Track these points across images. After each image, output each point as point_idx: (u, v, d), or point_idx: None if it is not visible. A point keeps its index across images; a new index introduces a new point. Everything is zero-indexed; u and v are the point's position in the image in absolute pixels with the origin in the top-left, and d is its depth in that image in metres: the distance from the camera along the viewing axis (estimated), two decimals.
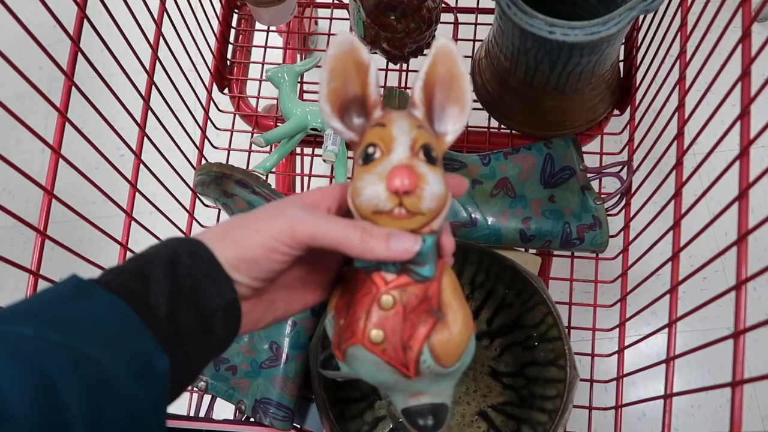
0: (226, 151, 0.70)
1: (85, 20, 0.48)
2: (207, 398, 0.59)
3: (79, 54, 0.48)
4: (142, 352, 0.26)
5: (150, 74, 0.57)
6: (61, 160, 0.46)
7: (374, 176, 0.29)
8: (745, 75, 0.40)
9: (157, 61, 0.57)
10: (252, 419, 0.54)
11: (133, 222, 0.54)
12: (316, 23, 1.12)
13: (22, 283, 0.42)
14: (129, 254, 0.52)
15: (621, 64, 0.68)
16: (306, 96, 0.75)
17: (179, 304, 0.28)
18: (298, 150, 0.81)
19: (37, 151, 1.25)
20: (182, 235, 0.32)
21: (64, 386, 0.22)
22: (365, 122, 0.32)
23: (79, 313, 0.25)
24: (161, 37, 0.59)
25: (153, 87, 0.57)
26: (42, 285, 0.43)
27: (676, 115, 0.52)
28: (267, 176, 0.64)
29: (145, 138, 0.56)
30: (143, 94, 0.56)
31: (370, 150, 0.29)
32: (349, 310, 0.31)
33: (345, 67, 0.31)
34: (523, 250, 0.63)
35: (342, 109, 0.32)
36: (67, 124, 0.46)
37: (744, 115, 0.39)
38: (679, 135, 0.51)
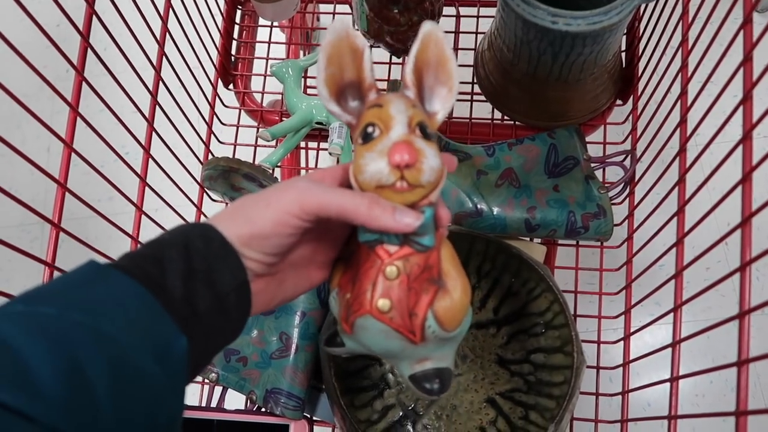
0: (232, 146, 0.71)
1: (94, 16, 0.49)
2: (218, 389, 0.60)
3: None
4: (160, 334, 0.27)
5: (157, 70, 0.57)
6: (72, 155, 0.46)
7: (375, 153, 0.30)
8: (746, 60, 0.41)
9: (164, 57, 0.58)
10: (263, 409, 0.55)
11: (142, 217, 0.54)
12: (319, 18, 1.12)
13: (31, 280, 0.43)
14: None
15: (623, 54, 0.68)
16: (310, 90, 0.76)
17: (195, 286, 0.29)
18: (304, 144, 0.82)
19: (42, 150, 1.26)
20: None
21: (89, 364, 0.23)
22: (361, 105, 0.34)
23: (99, 295, 0.26)
24: (167, 34, 0.59)
25: (160, 83, 0.58)
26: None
27: (679, 102, 0.52)
28: (273, 170, 0.65)
29: (153, 133, 0.56)
30: (151, 89, 0.56)
31: (369, 129, 0.31)
32: (354, 284, 0.33)
33: (341, 52, 0.32)
34: (528, 239, 0.64)
35: (339, 93, 0.33)
36: (77, 119, 0.47)
37: (746, 99, 0.40)
38: (682, 122, 0.51)
